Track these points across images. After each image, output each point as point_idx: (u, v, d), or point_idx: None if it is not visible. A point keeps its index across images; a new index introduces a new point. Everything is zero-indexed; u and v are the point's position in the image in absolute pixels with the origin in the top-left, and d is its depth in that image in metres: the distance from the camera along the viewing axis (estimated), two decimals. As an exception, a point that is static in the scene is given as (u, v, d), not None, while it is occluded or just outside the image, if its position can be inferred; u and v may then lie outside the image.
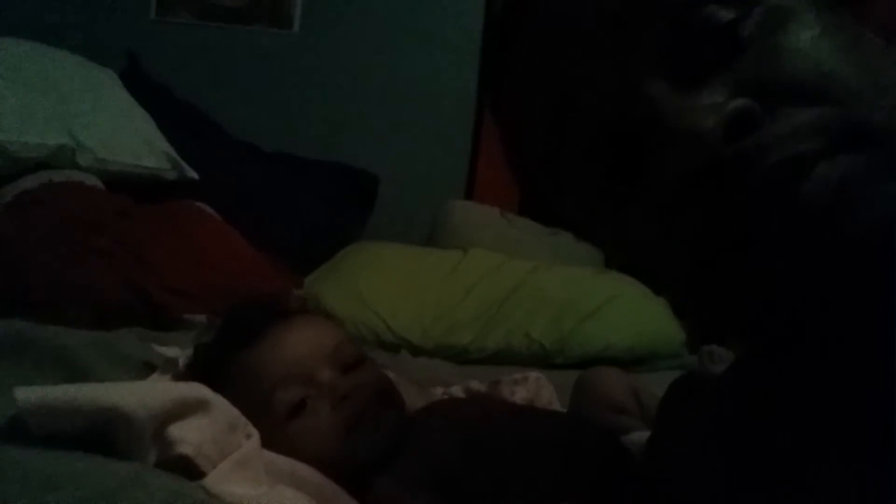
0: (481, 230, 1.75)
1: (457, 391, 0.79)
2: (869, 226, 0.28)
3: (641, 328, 1.40)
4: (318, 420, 0.56)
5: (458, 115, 1.95)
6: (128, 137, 1.35)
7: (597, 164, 0.36)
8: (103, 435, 0.41)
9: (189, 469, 0.43)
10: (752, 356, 0.40)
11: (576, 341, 1.35)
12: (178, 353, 0.68)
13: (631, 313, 1.43)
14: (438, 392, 0.81)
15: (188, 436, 0.42)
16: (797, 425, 0.33)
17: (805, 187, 0.29)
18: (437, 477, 0.50)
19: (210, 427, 0.44)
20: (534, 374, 0.79)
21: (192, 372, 0.62)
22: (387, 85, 1.92)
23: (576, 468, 0.51)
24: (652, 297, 1.50)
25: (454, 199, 1.87)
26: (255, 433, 0.48)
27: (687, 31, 0.33)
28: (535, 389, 0.76)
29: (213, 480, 0.42)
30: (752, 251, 0.31)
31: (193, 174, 1.44)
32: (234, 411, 0.46)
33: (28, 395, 0.40)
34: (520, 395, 0.74)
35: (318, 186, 1.73)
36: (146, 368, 0.65)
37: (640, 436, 0.57)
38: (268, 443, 0.50)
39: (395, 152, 1.90)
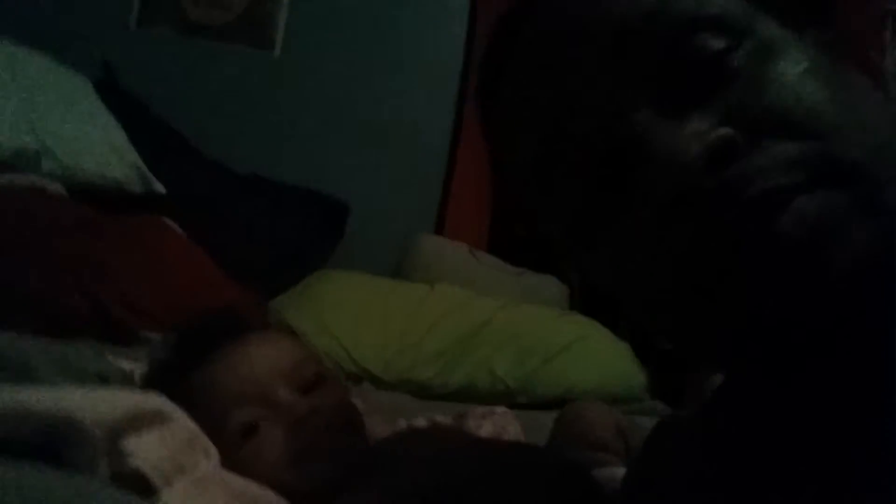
0: (449, 265, 1.75)
1: (421, 423, 0.77)
2: (845, 261, 0.29)
3: (604, 371, 1.40)
4: (270, 444, 0.53)
5: (432, 149, 1.96)
6: (96, 145, 1.32)
7: (587, 179, 0.36)
8: (52, 444, 0.39)
9: (142, 486, 0.40)
10: (732, 384, 0.40)
11: (539, 381, 1.34)
12: (134, 366, 0.65)
13: (595, 356, 1.43)
14: (402, 424, 0.79)
15: (143, 450, 0.40)
16: (783, 453, 0.33)
17: (782, 220, 0.29)
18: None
19: (167, 442, 0.41)
20: (501, 409, 0.77)
21: (147, 387, 0.60)
22: (364, 114, 1.92)
23: (547, 501, 0.50)
24: (616, 341, 1.52)
25: (424, 233, 1.87)
26: (215, 451, 0.45)
27: (677, 58, 0.33)
28: (502, 424, 0.74)
29: (167, 499, 0.40)
30: (731, 279, 0.31)
31: (161, 189, 1.41)
32: (194, 427, 0.44)
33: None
34: (486, 430, 0.73)
35: (289, 212, 1.71)
36: (101, 381, 0.62)
37: (614, 471, 0.56)
38: (224, 463, 0.48)
39: (368, 182, 1.89)
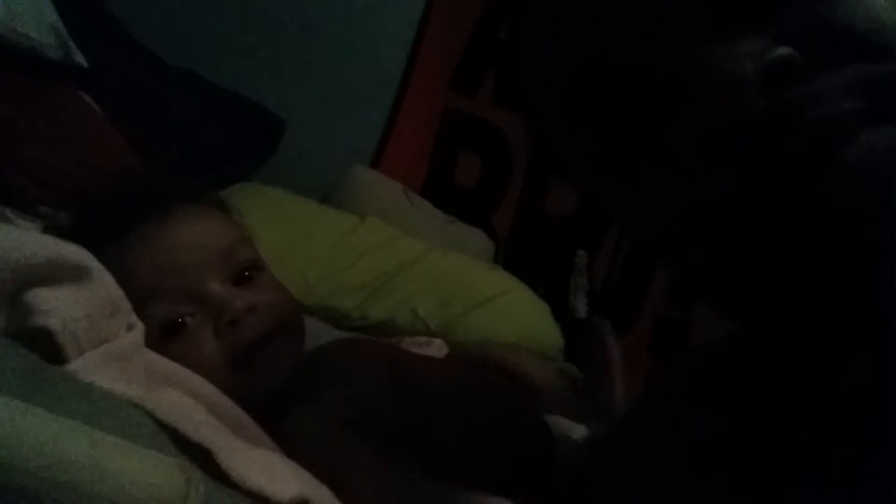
0: (380, 202, 1.69)
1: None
2: None
3: (524, 328, 1.40)
4: (196, 348, 0.46)
5: (382, 82, 1.87)
6: (11, -3, 1.15)
7: (615, 122, 0.32)
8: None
9: (49, 349, 0.33)
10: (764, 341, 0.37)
11: (460, 328, 1.32)
12: (31, 227, 0.56)
13: (517, 312, 1.43)
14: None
15: (56, 306, 0.33)
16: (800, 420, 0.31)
17: (847, 153, 0.26)
18: (361, 415, 0.43)
19: (86, 303, 0.35)
20: (438, 341, 0.74)
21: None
22: (318, 31, 1.80)
23: (505, 432, 0.46)
24: (538, 301, 1.52)
25: (359, 165, 1.80)
26: (140, 326, 0.39)
27: None
28: (438, 356, 0.70)
29: (79, 367, 0.33)
30: (780, 219, 0.28)
31: (82, 60, 1.26)
32: (119, 292, 0.37)
33: None
34: (422, 357, 0.69)
35: (221, 115, 1.59)
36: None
37: (558, 421, 0.53)
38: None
39: (309, 102, 1.79)
